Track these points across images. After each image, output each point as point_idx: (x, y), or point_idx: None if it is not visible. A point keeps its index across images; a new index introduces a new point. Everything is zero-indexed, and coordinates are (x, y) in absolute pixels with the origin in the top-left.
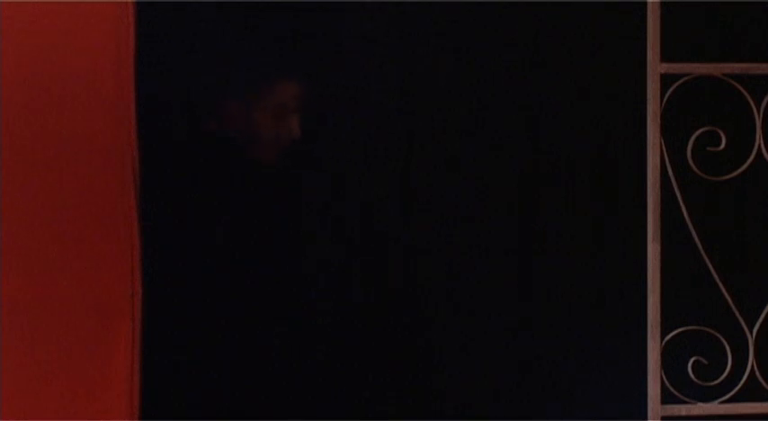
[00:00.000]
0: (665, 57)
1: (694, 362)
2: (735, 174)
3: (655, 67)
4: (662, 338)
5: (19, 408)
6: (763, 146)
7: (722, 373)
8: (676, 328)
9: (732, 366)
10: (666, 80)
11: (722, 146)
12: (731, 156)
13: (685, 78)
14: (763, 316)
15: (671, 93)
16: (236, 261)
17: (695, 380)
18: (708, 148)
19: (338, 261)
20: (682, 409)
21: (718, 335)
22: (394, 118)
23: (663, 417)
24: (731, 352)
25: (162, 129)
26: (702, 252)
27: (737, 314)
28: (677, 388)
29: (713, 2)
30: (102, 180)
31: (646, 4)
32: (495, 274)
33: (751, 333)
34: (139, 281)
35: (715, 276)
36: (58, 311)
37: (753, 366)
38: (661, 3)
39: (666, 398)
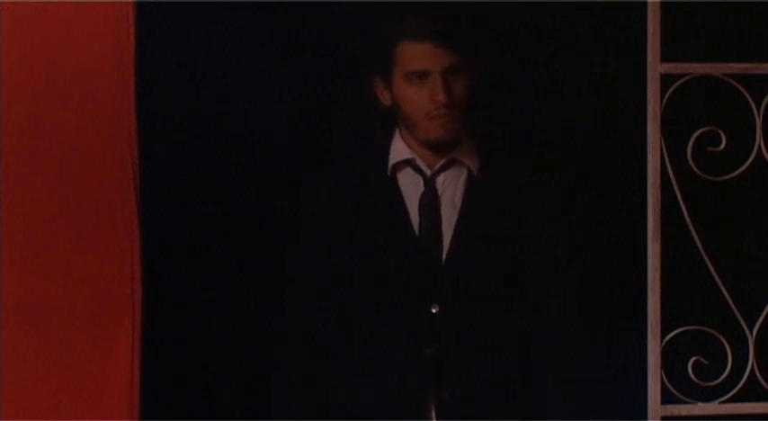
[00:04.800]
0: (665, 57)
1: (694, 362)
2: (735, 174)
3: (655, 67)
4: (662, 338)
5: (19, 408)
6: (763, 146)
7: (722, 373)
8: (676, 328)
9: (732, 366)
10: (666, 80)
11: (722, 146)
12: (731, 156)
13: (685, 78)
14: (763, 316)
15: (671, 93)
16: (237, 261)
17: (695, 380)
18: (708, 148)
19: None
20: (682, 409)
21: (718, 335)
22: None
23: (663, 417)
24: (731, 352)
25: (162, 129)
26: (702, 252)
27: (737, 314)
28: (677, 388)
29: (713, 2)
30: (102, 180)
31: (646, 4)
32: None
33: (751, 333)
34: (139, 281)
35: (715, 276)
36: (57, 311)
37: (753, 366)
38: (661, 3)
39: (666, 398)
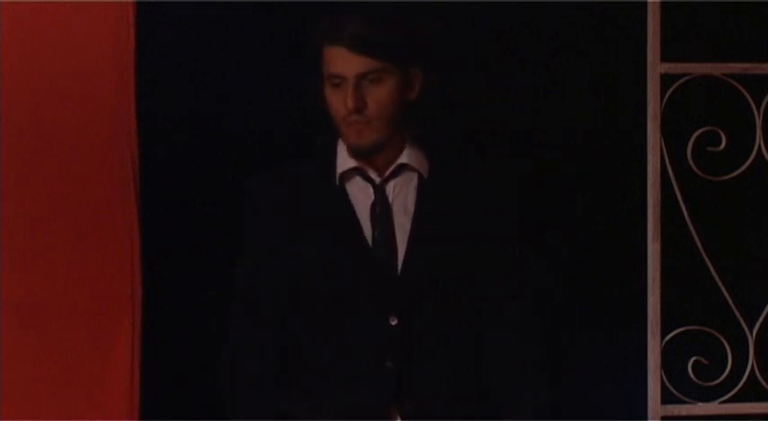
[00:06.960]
0: (665, 57)
1: (694, 362)
2: (735, 174)
3: (655, 67)
4: (662, 338)
5: (19, 408)
6: (763, 146)
7: (722, 373)
8: (676, 328)
9: (732, 366)
10: (666, 80)
11: (722, 146)
12: (731, 156)
13: (685, 78)
14: (763, 316)
15: (671, 93)
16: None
17: (695, 380)
18: (708, 148)
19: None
20: (682, 409)
21: (718, 335)
22: None
23: (663, 417)
24: (731, 352)
25: (162, 129)
26: (702, 252)
27: (737, 314)
28: (677, 388)
29: (713, 2)
30: (102, 180)
31: (646, 4)
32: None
33: (751, 333)
34: (139, 281)
35: (715, 276)
36: (57, 311)
37: (753, 366)
38: (661, 3)
39: (666, 398)
